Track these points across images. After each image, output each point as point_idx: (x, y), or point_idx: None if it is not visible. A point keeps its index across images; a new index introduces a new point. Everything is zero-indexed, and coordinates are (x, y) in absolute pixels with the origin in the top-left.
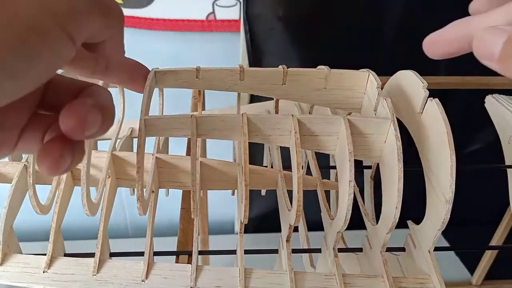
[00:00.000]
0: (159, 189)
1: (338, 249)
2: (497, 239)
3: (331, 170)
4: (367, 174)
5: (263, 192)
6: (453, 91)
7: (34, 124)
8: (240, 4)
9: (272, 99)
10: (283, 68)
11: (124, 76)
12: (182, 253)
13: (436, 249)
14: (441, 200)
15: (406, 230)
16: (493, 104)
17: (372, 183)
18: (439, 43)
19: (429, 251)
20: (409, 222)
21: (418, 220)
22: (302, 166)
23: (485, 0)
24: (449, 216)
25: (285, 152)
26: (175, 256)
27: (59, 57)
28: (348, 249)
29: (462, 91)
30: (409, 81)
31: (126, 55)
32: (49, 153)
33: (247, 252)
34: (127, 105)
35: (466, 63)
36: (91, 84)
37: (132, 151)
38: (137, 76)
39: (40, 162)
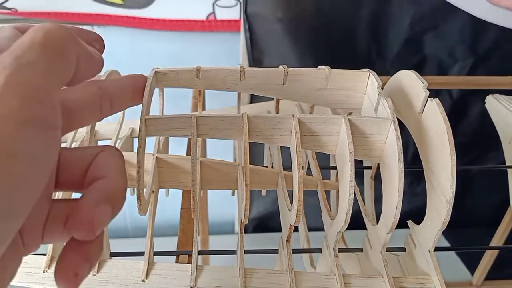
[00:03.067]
0: (159, 189)
1: (339, 249)
2: (498, 239)
3: (331, 170)
4: (368, 174)
5: (263, 192)
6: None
7: (54, 215)
8: (240, 4)
9: (273, 99)
10: (284, 68)
11: (129, 100)
12: (182, 253)
13: (437, 249)
14: (441, 200)
15: (407, 230)
16: (494, 104)
17: (372, 183)
18: None
19: (429, 251)
20: (410, 222)
21: (418, 220)
22: (303, 166)
23: None
24: (449, 216)
25: (285, 152)
26: (175, 256)
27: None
28: (348, 249)
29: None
30: (410, 81)
31: (127, 55)
32: (64, 273)
33: (247, 252)
34: None
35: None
36: (98, 152)
37: (133, 151)
38: (139, 93)
39: (58, 281)
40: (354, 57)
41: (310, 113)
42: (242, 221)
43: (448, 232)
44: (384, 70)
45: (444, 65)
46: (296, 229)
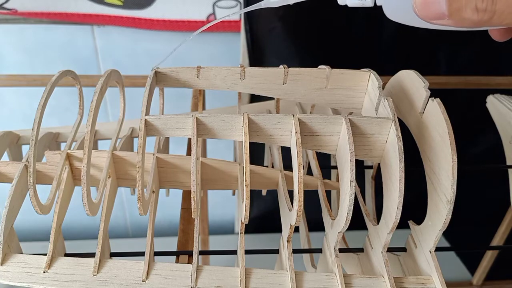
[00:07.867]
0: (160, 189)
1: (339, 249)
2: (498, 239)
3: (332, 170)
4: (368, 174)
5: (263, 192)
6: (455, 91)
7: None
8: (240, 5)
9: (273, 98)
10: (284, 68)
11: None
12: (182, 253)
13: (437, 249)
14: (442, 200)
15: (407, 231)
16: (495, 104)
17: (373, 183)
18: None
19: (430, 251)
20: (410, 222)
21: (419, 220)
22: (303, 166)
23: None
24: (450, 216)
25: (286, 152)
26: (175, 256)
27: None
28: (349, 249)
29: (464, 91)
30: (411, 80)
31: (127, 55)
32: None
33: (247, 252)
34: (127, 104)
35: (467, 63)
36: None
37: (133, 150)
38: None
39: None
40: (354, 56)
41: (310, 113)
42: (243, 221)
43: (448, 232)
44: (380, 64)
45: (433, 48)
46: (296, 229)
